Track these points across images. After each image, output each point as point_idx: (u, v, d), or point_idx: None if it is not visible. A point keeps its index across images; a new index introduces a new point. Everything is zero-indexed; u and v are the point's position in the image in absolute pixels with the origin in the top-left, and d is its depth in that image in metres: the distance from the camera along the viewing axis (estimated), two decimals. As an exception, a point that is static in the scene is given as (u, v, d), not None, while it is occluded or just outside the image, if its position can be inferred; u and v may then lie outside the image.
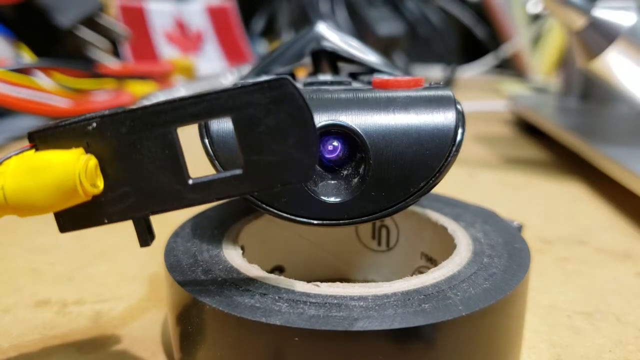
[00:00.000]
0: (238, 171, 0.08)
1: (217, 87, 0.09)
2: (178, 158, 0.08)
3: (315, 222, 0.10)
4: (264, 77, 0.11)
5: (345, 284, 0.10)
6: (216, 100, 0.08)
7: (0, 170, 0.08)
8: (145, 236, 0.09)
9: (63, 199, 0.08)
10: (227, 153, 0.10)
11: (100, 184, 0.09)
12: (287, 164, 0.08)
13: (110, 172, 0.09)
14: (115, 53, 0.43)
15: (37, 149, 0.09)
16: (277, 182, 0.08)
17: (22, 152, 0.09)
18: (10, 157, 0.08)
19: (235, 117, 0.08)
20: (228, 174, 0.08)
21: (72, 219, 0.09)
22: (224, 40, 0.54)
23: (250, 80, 0.08)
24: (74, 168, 0.08)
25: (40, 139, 0.09)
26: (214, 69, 0.49)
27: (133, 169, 0.09)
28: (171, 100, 0.08)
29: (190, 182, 0.08)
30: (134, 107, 0.08)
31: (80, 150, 0.08)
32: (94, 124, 0.08)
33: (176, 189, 0.09)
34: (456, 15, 0.58)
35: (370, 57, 0.15)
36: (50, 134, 0.09)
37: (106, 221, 0.09)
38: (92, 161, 0.08)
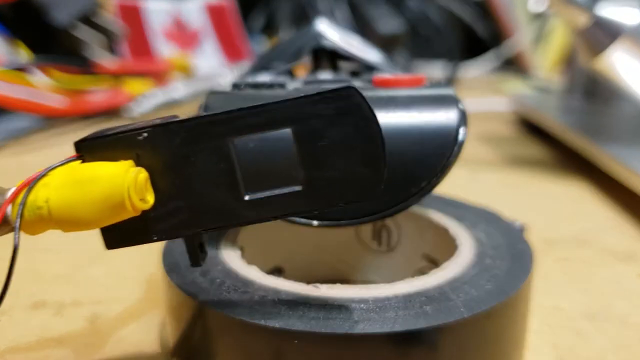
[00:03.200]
0: (298, 187, 0.08)
1: (277, 96, 0.08)
2: (234, 172, 0.08)
3: (315, 222, 0.10)
4: (327, 86, 0.10)
5: (345, 286, 0.09)
6: (276, 111, 0.08)
7: (45, 182, 0.08)
8: (197, 255, 0.09)
9: (110, 214, 0.08)
10: None
11: (151, 198, 0.08)
12: (351, 180, 0.08)
13: (161, 185, 0.08)
14: (113, 51, 0.43)
15: (83, 160, 0.08)
16: (339, 200, 0.08)
17: (67, 162, 0.08)
18: (55, 167, 0.08)
19: (296, 130, 0.08)
20: (287, 189, 0.08)
21: (118, 235, 0.08)
22: (223, 37, 0.54)
23: (315, 89, 0.08)
24: (123, 182, 0.08)
25: (87, 149, 0.08)
26: (213, 67, 0.49)
27: (185, 183, 0.08)
28: (228, 110, 0.08)
29: (247, 197, 0.08)
30: (189, 116, 0.08)
31: (130, 162, 0.08)
32: (145, 134, 0.08)
33: (231, 205, 0.08)
34: (457, 13, 0.58)
35: (371, 55, 0.15)
36: (98, 144, 0.08)
37: (155, 238, 0.08)
38: (142, 174, 0.08)
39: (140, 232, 0.08)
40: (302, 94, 0.08)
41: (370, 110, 0.07)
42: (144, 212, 0.08)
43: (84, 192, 0.08)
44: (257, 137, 0.08)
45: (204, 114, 0.08)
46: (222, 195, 0.08)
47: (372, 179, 0.08)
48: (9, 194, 0.08)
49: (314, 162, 0.08)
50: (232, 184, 0.08)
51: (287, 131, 0.08)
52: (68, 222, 0.08)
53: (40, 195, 0.08)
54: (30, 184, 0.08)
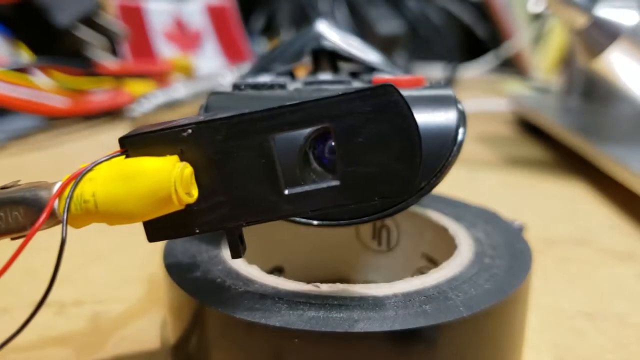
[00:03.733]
0: (335, 182, 0.08)
1: (316, 95, 0.09)
2: (274, 167, 0.08)
3: (315, 222, 0.10)
4: (360, 84, 0.10)
5: (345, 285, 0.09)
6: (315, 108, 0.08)
7: (91, 176, 0.08)
8: (238, 247, 0.09)
9: (156, 208, 0.08)
10: None
11: (195, 192, 0.08)
12: (387, 176, 0.08)
13: (203, 180, 0.08)
14: (114, 52, 0.43)
15: (127, 155, 0.08)
16: (375, 195, 0.08)
17: (112, 157, 0.08)
18: (100, 162, 0.08)
19: (335, 126, 0.08)
20: (324, 184, 0.08)
21: (161, 228, 0.08)
22: (223, 38, 0.54)
23: (353, 87, 0.08)
24: (170, 176, 0.08)
25: (131, 145, 0.08)
26: (213, 68, 0.49)
27: (228, 178, 0.08)
28: (269, 108, 0.08)
29: (287, 192, 0.08)
30: (231, 114, 0.08)
31: (175, 157, 0.08)
32: (189, 131, 0.08)
33: (271, 200, 0.08)
34: (457, 14, 0.58)
35: (371, 56, 0.15)
36: (142, 140, 0.08)
37: (197, 231, 0.08)
38: (188, 169, 0.08)
39: (182, 225, 0.08)
40: (341, 92, 0.08)
41: (408, 107, 0.08)
42: (188, 206, 0.08)
43: (131, 185, 0.08)
44: (296, 134, 0.08)
45: (246, 111, 0.08)
46: (263, 190, 0.08)
47: (408, 175, 0.08)
48: (55, 188, 0.08)
49: (350, 158, 0.08)
50: (273, 179, 0.08)
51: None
52: (114, 215, 0.08)
53: (87, 189, 0.08)
54: (77, 178, 0.08)
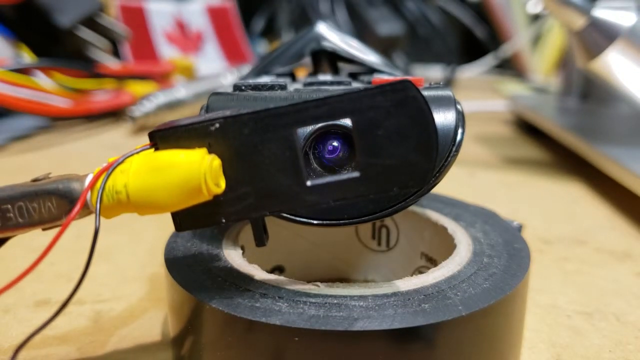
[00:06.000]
0: (356, 174, 0.08)
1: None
2: (298, 159, 0.08)
3: (315, 222, 0.10)
4: (384, 77, 0.10)
5: (345, 284, 0.10)
6: (338, 103, 0.08)
7: (123, 168, 0.08)
8: (262, 236, 0.09)
9: (186, 198, 0.08)
10: None
11: (223, 183, 0.08)
12: (405, 167, 0.08)
13: (230, 172, 0.09)
14: (115, 53, 0.43)
15: (157, 148, 0.09)
16: (394, 186, 0.08)
17: (142, 151, 0.08)
18: (131, 155, 0.08)
19: (356, 120, 0.08)
20: (345, 176, 0.09)
21: (189, 218, 0.09)
22: (224, 40, 0.54)
23: (374, 84, 0.08)
24: (200, 167, 0.08)
25: (161, 139, 0.09)
26: (214, 69, 0.49)
27: (253, 170, 0.09)
28: (294, 103, 0.08)
29: (309, 183, 0.09)
30: (257, 109, 0.08)
31: (204, 150, 0.08)
32: (217, 125, 0.08)
33: (294, 190, 0.09)
34: (456, 15, 0.58)
35: (370, 57, 0.15)
36: (171, 134, 0.09)
37: (224, 220, 0.09)
38: (216, 161, 0.08)
39: (209, 215, 0.09)
40: (362, 88, 0.08)
41: (425, 102, 0.08)
42: (215, 197, 0.08)
43: (162, 177, 0.08)
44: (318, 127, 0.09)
45: (272, 106, 0.08)
46: (286, 181, 0.09)
47: (425, 166, 0.08)
48: (87, 180, 0.08)
49: (371, 150, 0.08)
50: (296, 171, 0.08)
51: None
52: (145, 205, 0.08)
53: (119, 180, 0.08)
54: (108, 170, 0.08)
